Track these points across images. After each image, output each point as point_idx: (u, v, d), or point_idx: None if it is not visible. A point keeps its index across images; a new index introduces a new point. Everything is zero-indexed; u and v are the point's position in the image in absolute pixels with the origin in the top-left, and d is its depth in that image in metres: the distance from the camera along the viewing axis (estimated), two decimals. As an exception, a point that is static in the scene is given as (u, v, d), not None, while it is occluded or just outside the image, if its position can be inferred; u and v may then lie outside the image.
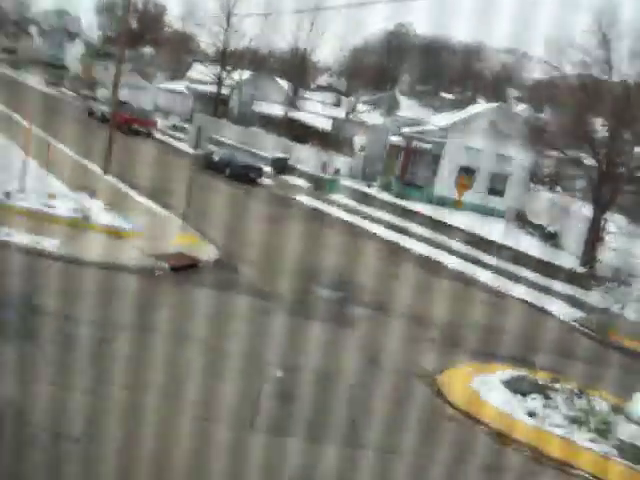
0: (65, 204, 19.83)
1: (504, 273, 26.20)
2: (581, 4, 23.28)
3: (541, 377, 14.09)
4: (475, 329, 18.10)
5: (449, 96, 53.92)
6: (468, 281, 24.65)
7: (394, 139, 40.15)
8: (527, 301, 23.50)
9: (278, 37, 56.49)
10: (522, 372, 14.42)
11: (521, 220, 34.76)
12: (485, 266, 26.94)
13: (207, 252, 19.52)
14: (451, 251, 28.52)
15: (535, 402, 13.03)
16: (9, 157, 24.35)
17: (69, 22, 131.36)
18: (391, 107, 47.61)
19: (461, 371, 14.41)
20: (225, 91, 60.11)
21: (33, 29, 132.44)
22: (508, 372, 14.33)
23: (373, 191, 38.34)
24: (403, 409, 11.88)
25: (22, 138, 23.00)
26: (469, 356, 15.62)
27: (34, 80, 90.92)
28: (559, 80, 33.30)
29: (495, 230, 29.81)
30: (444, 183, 36.85)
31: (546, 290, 25.19)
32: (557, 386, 13.62)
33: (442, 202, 34.88)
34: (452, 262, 26.81)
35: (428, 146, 37.87)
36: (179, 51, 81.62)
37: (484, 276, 25.47)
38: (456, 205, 30.38)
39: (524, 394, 13.25)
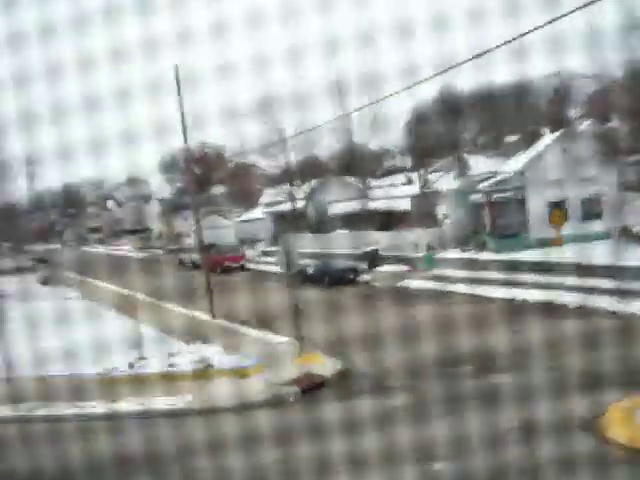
0: (185, 358, 20.41)
1: (630, 294, 25.04)
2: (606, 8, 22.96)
3: None
4: (625, 362, 17.23)
5: (513, 139, 53.43)
6: (592, 313, 23.67)
7: (474, 197, 39.94)
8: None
9: (333, 139, 57.69)
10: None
11: (628, 235, 33.53)
12: (605, 292, 25.84)
13: (331, 366, 19.54)
14: (569, 288, 27.59)
15: None
16: (124, 328, 25.44)
17: (141, 187, 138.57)
18: (461, 168, 47.49)
19: (621, 407, 13.64)
20: (300, 204, 61.50)
21: (110, 203, 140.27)
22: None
23: (470, 254, 37.90)
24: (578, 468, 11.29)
25: (131, 307, 23.99)
26: (625, 391, 14.78)
27: (125, 249, 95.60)
28: (613, 85, 32.64)
29: (605, 254, 28.80)
30: (538, 224, 36.13)
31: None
32: None
33: (542, 244, 34.06)
34: (573, 300, 25.90)
35: (509, 194, 37.46)
36: (247, 182, 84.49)
37: (609, 304, 24.42)
38: (557, 242, 29.60)
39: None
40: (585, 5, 14.26)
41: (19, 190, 63.13)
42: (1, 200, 60.48)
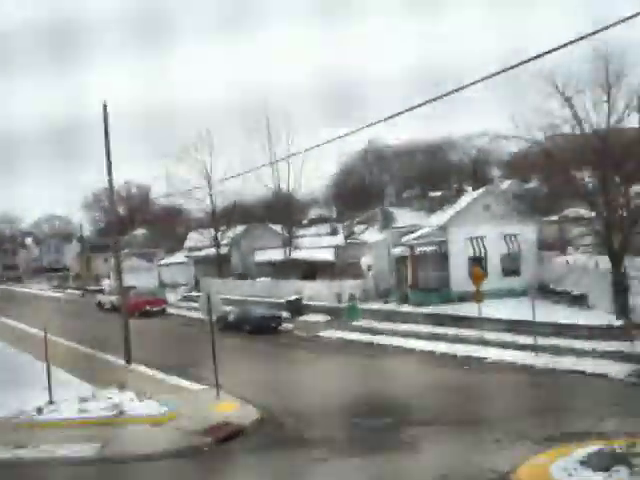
0: (97, 404, 19.70)
1: (546, 349, 25.58)
2: (531, 70, 23.84)
3: (618, 445, 13.38)
4: (536, 414, 17.47)
5: (437, 194, 54.63)
6: (512, 368, 24.03)
7: (397, 250, 40.37)
8: (577, 370, 22.79)
9: (260, 186, 57.62)
10: (597, 445, 13.72)
11: (544, 291, 34.35)
12: (523, 348, 26.34)
13: (248, 415, 19.14)
14: (486, 343, 28.03)
15: (620, 474, 12.33)
16: (32, 371, 24.46)
17: (61, 225, 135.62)
18: (386, 220, 48.13)
19: (535, 463, 13.74)
20: (224, 250, 61.05)
21: (29, 240, 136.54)
22: (582, 450, 13.64)
23: (392, 306, 38.18)
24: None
25: (40, 349, 23.08)
26: (539, 445, 14.94)
27: (39, 287, 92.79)
28: (534, 147, 33.73)
29: (522, 309, 29.38)
30: (458, 279, 36.66)
31: (589, 353, 24.54)
32: (638, 450, 12.93)
33: (462, 298, 34.52)
34: (490, 354, 26.27)
35: (432, 248, 38.02)
36: (171, 225, 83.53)
37: (526, 359, 24.87)
38: (477, 297, 30.08)
39: (607, 469, 12.55)
40: (507, 69, 14.78)
41: None
42: None
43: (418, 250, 38.21)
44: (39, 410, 19.60)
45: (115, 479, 14.64)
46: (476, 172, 78.81)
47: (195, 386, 23.43)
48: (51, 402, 20.11)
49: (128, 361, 28.21)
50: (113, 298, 51.29)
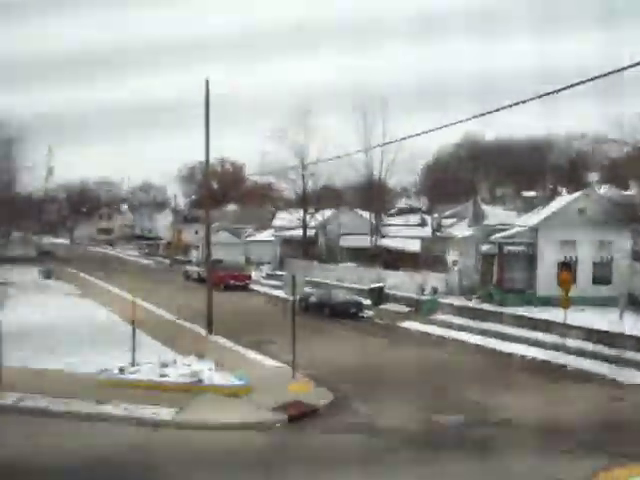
0: (177, 371, 20.24)
1: (631, 363, 24.76)
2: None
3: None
4: (615, 429, 16.97)
5: (531, 194, 53.37)
6: (593, 379, 23.37)
7: (485, 248, 39.76)
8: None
9: (352, 171, 57.68)
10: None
11: (635, 303, 33.23)
12: (607, 359, 25.57)
13: (322, 396, 19.32)
14: (568, 350, 27.35)
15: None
16: (119, 332, 25.38)
17: (156, 195, 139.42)
18: (476, 216, 47.40)
19: (612, 476, 13.35)
20: (311, 232, 61.46)
21: (124, 207, 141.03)
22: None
23: (474, 304, 37.66)
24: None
25: (127, 312, 23.91)
26: (615, 460, 14.48)
27: (131, 254, 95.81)
28: (635, 152, 32.55)
29: (611, 320, 28.56)
30: (545, 283, 35.84)
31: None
32: None
33: (547, 302, 33.76)
34: (571, 362, 25.61)
35: (521, 248, 37.28)
36: (262, 203, 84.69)
37: (609, 371, 24.13)
38: (563, 302, 29.33)
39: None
40: (612, 72, 14.31)
41: (35, 181, 63.41)
42: (16, 191, 60.85)
43: (506, 249, 37.53)
44: (121, 370, 20.32)
45: (187, 445, 15.03)
46: (573, 174, 76.72)
47: (272, 363, 23.79)
48: (133, 364, 20.80)
49: (209, 331, 28.90)
50: (200, 269, 52.57)
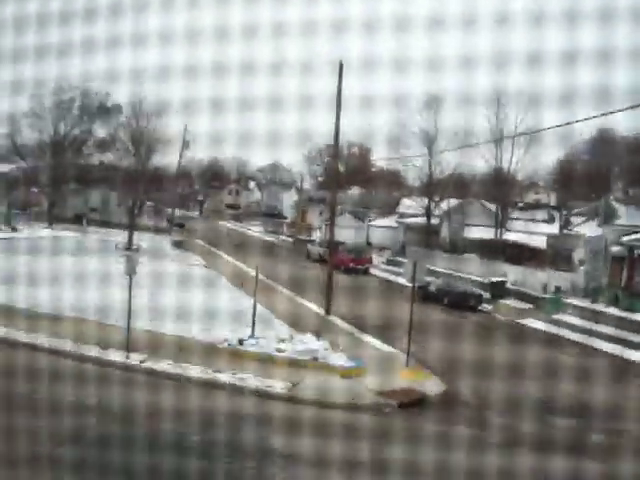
0: (293, 346, 20.69)
1: None
2: None
3: None
4: None
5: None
6: None
7: (615, 249, 38.14)
8: None
9: (480, 161, 56.75)
10: None
11: None
12: None
13: (434, 386, 19.28)
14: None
15: None
16: (241, 305, 26.14)
17: (283, 174, 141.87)
18: (607, 216, 45.47)
19: None
20: (434, 221, 60.93)
21: (252, 184, 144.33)
22: None
23: (599, 307, 36.24)
24: None
25: (249, 286, 24.60)
26: None
27: (256, 230, 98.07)
28: None
29: None
30: (680, 290, 34.10)
31: None
32: None
33: (681, 311, 32.12)
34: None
35: (655, 252, 35.56)
36: (387, 188, 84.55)
37: None
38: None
39: None
40: None
41: (170, 156, 66.06)
42: (152, 164, 63.60)
43: (638, 252, 35.87)
44: (241, 341, 20.97)
45: (298, 420, 15.37)
46: None
47: (386, 348, 23.88)
48: (252, 336, 21.42)
49: (327, 312, 29.29)
50: (322, 250, 53.22)
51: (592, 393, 20.31)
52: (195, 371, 18.40)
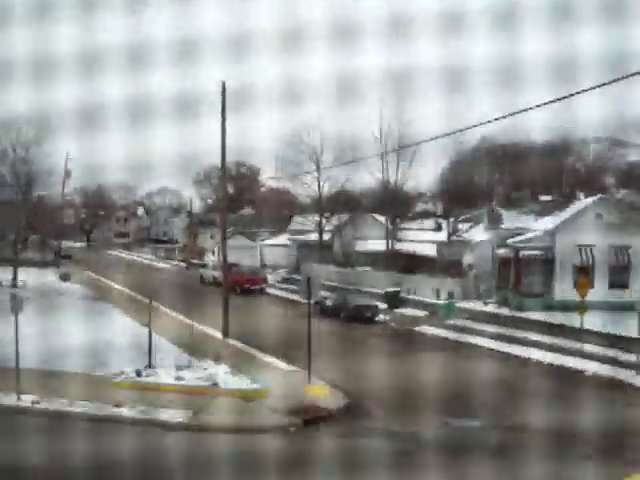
0: (193, 374, 20.34)
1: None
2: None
3: None
4: (632, 435, 16.85)
5: (548, 198, 53.05)
6: (609, 384, 23.19)
7: (502, 252, 39.60)
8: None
9: (367, 175, 57.75)
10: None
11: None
12: (624, 365, 25.35)
13: (337, 400, 19.34)
14: (585, 356, 27.14)
15: None
16: (136, 335, 25.51)
17: (172, 198, 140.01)
18: (492, 221, 47.20)
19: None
20: (327, 237, 61.47)
21: (140, 210, 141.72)
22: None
23: (490, 308, 37.51)
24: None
25: (145, 315, 24.05)
26: (632, 466, 14.41)
27: (147, 257, 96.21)
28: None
29: (627, 325, 28.29)
30: (562, 287, 35.62)
31: None
32: None
33: (565, 306, 33.54)
34: (588, 368, 25.44)
35: (538, 253, 37.06)
36: (277, 207, 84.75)
37: (626, 376, 23.92)
38: (579, 308, 29.17)
39: None
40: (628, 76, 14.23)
41: (52, 186, 63.83)
42: (34, 195, 61.26)
43: (523, 254, 37.33)
44: (138, 372, 20.43)
45: (203, 447, 15.09)
46: (590, 178, 76.22)
47: (287, 367, 23.82)
48: (150, 366, 20.91)
49: (225, 335, 28.95)
50: (216, 273, 52.69)
51: (487, 393, 20.96)
52: (92, 408, 17.75)
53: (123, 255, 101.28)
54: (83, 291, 47.12)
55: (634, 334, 25.35)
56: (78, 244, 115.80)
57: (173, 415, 17.20)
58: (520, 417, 18.37)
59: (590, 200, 40.25)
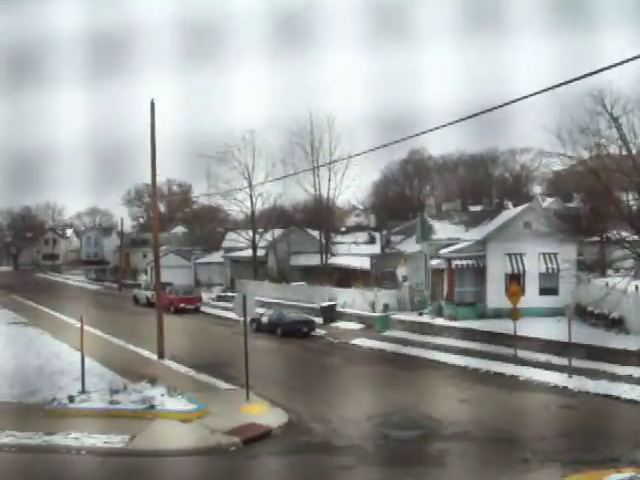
0: (128, 397, 19.86)
1: (580, 371, 25.14)
2: (578, 90, 23.65)
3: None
4: (567, 437, 17.20)
5: (477, 208, 54.08)
6: (544, 388, 23.65)
7: (434, 263, 40.14)
8: (611, 395, 22.34)
9: (300, 191, 57.96)
10: (630, 473, 13.33)
11: (581, 313, 33.85)
12: (557, 368, 25.92)
13: (277, 417, 19.17)
14: (519, 361, 27.64)
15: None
16: (68, 360, 24.83)
17: (102, 219, 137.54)
18: (424, 232, 47.86)
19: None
20: (261, 253, 61.29)
21: (69, 231, 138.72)
22: (615, 477, 13.25)
23: (425, 319, 37.94)
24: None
25: (75, 338, 23.43)
26: (568, 468, 14.66)
27: (78, 279, 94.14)
28: (579, 166, 33.43)
29: (557, 329, 28.98)
30: (495, 295, 36.30)
31: (624, 378, 24.03)
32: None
33: (498, 314, 34.20)
34: (523, 373, 25.87)
35: (469, 262, 37.70)
36: (210, 224, 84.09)
37: (559, 380, 24.42)
38: (514, 314, 29.72)
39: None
40: (554, 86, 14.63)
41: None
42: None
43: (455, 263, 37.92)
44: (71, 399, 19.84)
45: (141, 472, 14.74)
46: (517, 188, 78.11)
47: (225, 385, 23.56)
48: (83, 391, 20.35)
49: (160, 356, 28.46)
50: (149, 293, 51.88)
51: (426, 403, 21.11)
52: (22, 437, 17.13)
53: (53, 278, 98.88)
54: (9, 316, 45.65)
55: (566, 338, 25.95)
56: (4, 268, 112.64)
57: (109, 440, 16.74)
58: (459, 425, 18.52)
59: (518, 209, 41.22)
